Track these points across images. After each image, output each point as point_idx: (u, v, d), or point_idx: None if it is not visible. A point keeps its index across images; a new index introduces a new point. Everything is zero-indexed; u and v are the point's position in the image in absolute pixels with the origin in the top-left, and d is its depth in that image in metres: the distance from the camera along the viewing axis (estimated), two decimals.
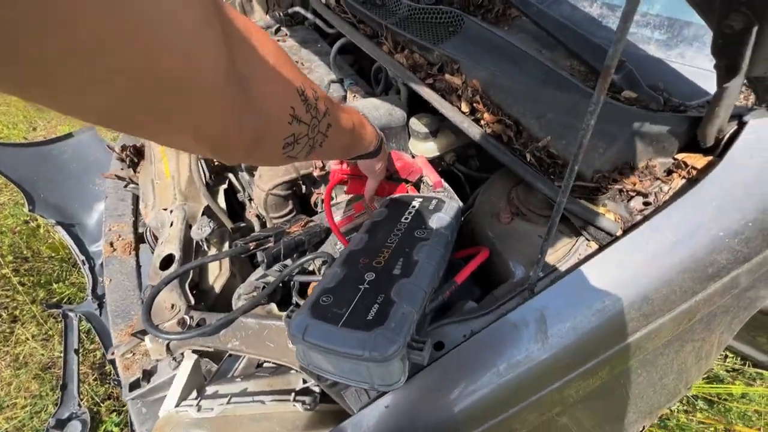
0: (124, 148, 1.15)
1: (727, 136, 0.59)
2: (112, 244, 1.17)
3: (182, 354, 0.82)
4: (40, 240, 2.28)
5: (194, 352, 0.72)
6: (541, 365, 0.53)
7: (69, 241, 1.71)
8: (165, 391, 0.90)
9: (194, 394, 0.61)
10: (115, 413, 1.60)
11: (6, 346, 1.90)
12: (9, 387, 1.77)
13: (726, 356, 1.36)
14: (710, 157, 0.60)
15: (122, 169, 1.28)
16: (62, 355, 1.49)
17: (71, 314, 1.61)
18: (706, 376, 1.33)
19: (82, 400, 1.35)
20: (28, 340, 1.89)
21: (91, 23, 0.19)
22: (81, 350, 1.48)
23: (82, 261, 1.69)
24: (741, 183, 0.56)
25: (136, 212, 1.33)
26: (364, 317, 0.50)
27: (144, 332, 0.74)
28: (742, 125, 0.58)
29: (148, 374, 0.90)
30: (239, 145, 0.37)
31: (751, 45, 0.43)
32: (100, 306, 1.63)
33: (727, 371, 1.33)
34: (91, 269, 1.71)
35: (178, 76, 0.26)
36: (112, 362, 1.55)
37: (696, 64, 0.66)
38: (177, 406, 0.57)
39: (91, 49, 0.20)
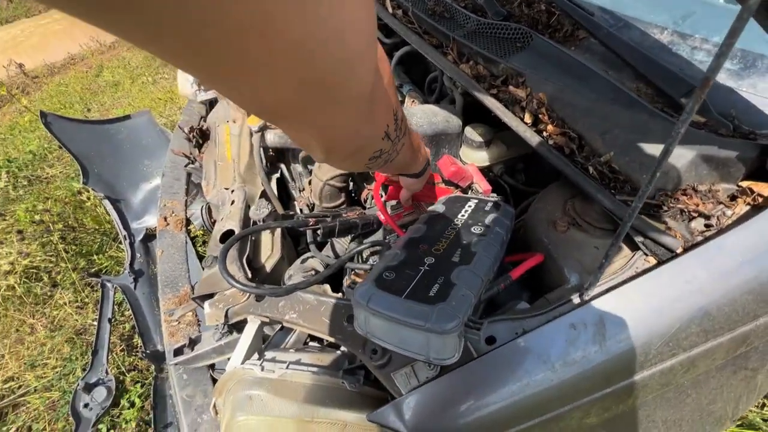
0: (191, 129, 1.23)
1: None
2: (165, 219, 1.23)
3: (230, 326, 0.86)
4: (86, 212, 2.41)
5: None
6: (597, 367, 0.54)
7: (114, 215, 1.79)
8: (207, 360, 0.94)
9: (256, 356, 0.64)
10: (139, 384, 1.65)
11: (45, 308, 2.00)
12: (43, 347, 1.85)
13: (763, 404, 1.31)
14: None
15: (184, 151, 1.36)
16: (96, 322, 1.54)
17: (109, 284, 1.66)
18: (740, 422, 1.28)
19: (109, 367, 1.39)
20: (65, 305, 1.98)
21: (294, 30, 0.22)
22: (113, 320, 1.54)
23: (124, 236, 1.76)
24: None
25: (187, 192, 1.40)
26: (426, 293, 0.52)
27: (204, 297, 0.79)
28: None
29: (193, 342, 0.94)
30: (344, 150, 0.40)
31: None
32: (136, 281, 1.69)
33: (764, 420, 1.28)
34: (131, 245, 1.78)
35: (338, 83, 0.29)
36: (143, 335, 1.60)
37: None
38: (242, 364, 0.61)
39: (287, 56, 0.23)
